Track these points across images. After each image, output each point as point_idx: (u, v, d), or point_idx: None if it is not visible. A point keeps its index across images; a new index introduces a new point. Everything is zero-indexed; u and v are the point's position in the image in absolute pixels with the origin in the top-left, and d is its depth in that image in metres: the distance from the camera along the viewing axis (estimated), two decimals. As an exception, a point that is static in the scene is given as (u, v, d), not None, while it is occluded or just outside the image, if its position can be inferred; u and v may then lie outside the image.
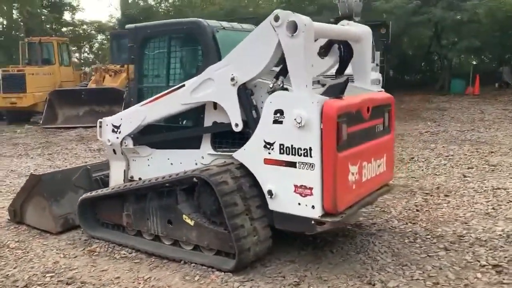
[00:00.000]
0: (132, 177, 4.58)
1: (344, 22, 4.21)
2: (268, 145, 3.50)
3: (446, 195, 5.33)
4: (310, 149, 3.29)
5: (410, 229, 4.29)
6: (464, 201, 5.06)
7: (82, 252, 4.14)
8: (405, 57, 24.72)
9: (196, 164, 4.07)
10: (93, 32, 33.07)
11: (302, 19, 3.24)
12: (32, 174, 4.84)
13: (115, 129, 4.50)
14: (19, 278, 3.64)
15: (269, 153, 3.50)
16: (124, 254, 4.05)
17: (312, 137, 3.27)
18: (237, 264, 3.47)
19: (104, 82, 14.75)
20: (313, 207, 3.34)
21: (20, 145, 10.62)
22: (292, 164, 3.40)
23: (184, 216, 3.83)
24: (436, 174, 6.36)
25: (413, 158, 7.42)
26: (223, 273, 3.50)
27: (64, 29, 30.98)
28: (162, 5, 29.12)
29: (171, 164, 4.25)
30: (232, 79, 3.63)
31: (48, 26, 27.70)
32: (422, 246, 3.91)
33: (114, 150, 4.58)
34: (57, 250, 4.20)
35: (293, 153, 3.38)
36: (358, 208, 3.71)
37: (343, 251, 3.85)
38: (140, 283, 3.48)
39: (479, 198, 5.17)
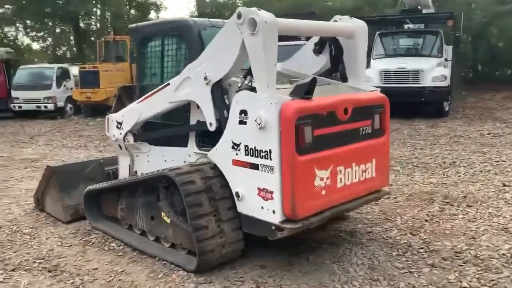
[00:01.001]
0: (136, 172, 4.75)
1: (337, 17, 3.98)
2: (235, 146, 3.43)
3: (468, 205, 4.83)
4: (270, 151, 3.17)
5: (406, 241, 3.96)
6: (485, 214, 4.56)
7: (79, 241, 4.38)
8: (495, 50, 22.74)
9: (185, 162, 4.11)
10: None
11: (262, 16, 3.11)
12: (48, 166, 5.20)
13: (119, 125, 4.69)
14: (12, 262, 3.94)
15: (236, 154, 3.43)
16: (113, 246, 4.21)
17: (271, 139, 3.15)
18: (199, 265, 3.45)
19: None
20: (273, 212, 3.22)
21: (84, 137, 11.46)
22: (256, 167, 3.30)
23: (162, 213, 3.89)
24: (472, 181, 5.78)
25: (455, 162, 6.81)
26: (185, 273, 3.50)
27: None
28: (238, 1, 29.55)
29: (165, 161, 4.32)
30: (205, 78, 3.61)
31: (133, 25, 29.42)
32: (408, 260, 3.59)
33: (119, 146, 4.77)
34: (58, 238, 4.48)
35: (256, 155, 3.28)
36: (332, 215, 3.50)
37: (320, 259, 3.66)
38: (111, 276, 3.59)
39: (506, 211, 4.62)
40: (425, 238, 4.00)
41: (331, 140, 3.37)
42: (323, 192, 3.34)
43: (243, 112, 3.33)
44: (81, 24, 27.43)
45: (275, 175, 3.16)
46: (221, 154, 3.58)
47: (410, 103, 12.04)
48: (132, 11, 31.11)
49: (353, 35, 3.86)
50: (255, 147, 3.28)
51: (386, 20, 15.21)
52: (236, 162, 3.44)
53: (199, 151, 3.99)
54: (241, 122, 3.35)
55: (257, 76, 3.23)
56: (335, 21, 3.97)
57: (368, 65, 13.02)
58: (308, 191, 3.22)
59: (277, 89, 3.39)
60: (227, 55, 3.43)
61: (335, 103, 3.40)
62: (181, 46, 4.24)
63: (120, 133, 4.66)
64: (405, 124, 10.86)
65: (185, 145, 4.12)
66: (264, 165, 3.23)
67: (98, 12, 29.78)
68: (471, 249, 3.72)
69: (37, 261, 3.93)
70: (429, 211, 4.69)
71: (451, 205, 4.86)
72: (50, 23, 28.47)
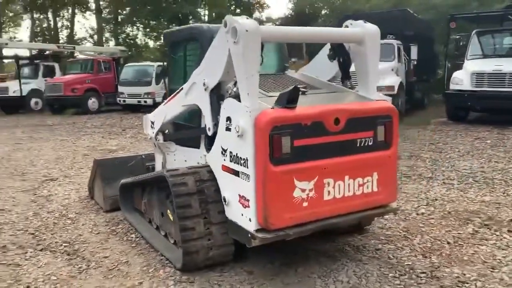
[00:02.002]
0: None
1: (348, 22, 3.81)
2: (223, 151, 3.49)
3: (510, 231, 4.30)
4: (247, 159, 3.18)
5: (411, 263, 3.67)
6: (523, 242, 4.03)
7: (106, 230, 4.78)
8: None
9: (198, 163, 4.26)
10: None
11: (243, 25, 3.11)
12: (95, 159, 5.72)
13: (152, 125, 5.00)
14: (44, 243, 4.44)
15: (224, 160, 3.49)
16: (131, 238, 4.53)
17: (247, 148, 3.15)
18: (183, 264, 3.58)
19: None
20: (250, 220, 3.23)
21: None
22: (237, 173, 3.33)
23: (168, 211, 4.09)
24: (536, 203, 5.12)
25: (524, 179, 6.06)
26: (173, 270, 3.65)
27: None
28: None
29: (185, 161, 4.53)
30: (204, 83, 3.71)
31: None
32: (400, 284, 3.33)
33: (154, 144, 5.09)
34: (92, 225, 4.93)
35: (237, 161, 3.31)
36: (317, 228, 3.38)
37: (308, 272, 3.57)
38: (114, 265, 3.89)
39: (553, 241, 4.03)
40: (435, 262, 3.67)
41: (317, 151, 3.26)
42: (305, 204, 3.25)
43: (228, 119, 3.38)
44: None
45: (251, 183, 3.17)
46: (214, 158, 3.66)
47: (506, 110, 10.91)
48: (238, 11, 32.26)
49: (363, 41, 3.66)
50: (236, 154, 3.31)
51: (486, 17, 13.84)
52: (224, 167, 3.51)
53: (207, 154, 4.11)
54: (227, 129, 3.40)
55: (240, 84, 3.25)
56: (346, 26, 3.80)
57: (460, 67, 12.09)
58: (285, 202, 3.16)
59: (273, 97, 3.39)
60: (219, 63, 3.49)
61: (322, 113, 3.27)
62: (198, 51, 4.39)
63: (153, 132, 4.96)
64: (494, 133, 9.86)
65: (198, 147, 4.27)
66: (243, 172, 3.25)
67: (206, 13, 31.40)
68: (480, 280, 3.34)
69: (63, 244, 4.38)
70: (459, 233, 4.27)
71: (488, 228, 4.37)
72: (165, 23, 30.62)
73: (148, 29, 33.06)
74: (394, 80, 12.15)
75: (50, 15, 36.45)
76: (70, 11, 36.57)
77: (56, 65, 20.97)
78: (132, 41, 40.58)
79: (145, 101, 17.60)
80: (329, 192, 3.35)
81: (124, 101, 18.12)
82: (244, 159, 3.21)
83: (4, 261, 4.01)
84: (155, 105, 17.74)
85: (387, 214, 3.90)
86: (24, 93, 19.70)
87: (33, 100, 19.86)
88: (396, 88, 12.01)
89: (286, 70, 4.59)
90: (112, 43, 40.06)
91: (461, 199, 5.36)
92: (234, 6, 31.84)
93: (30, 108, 19.84)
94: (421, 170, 6.88)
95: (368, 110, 3.51)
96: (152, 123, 5.00)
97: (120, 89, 18.24)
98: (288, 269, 3.64)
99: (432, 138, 9.70)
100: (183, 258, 3.56)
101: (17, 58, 19.93)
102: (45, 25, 38.10)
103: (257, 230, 3.19)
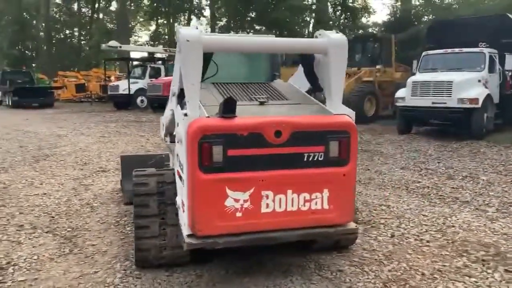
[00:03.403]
0: (175, 169, 5.31)
1: (317, 32, 3.67)
2: (177, 157, 3.62)
3: (507, 270, 3.76)
4: (183, 166, 3.27)
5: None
6: (512, 284, 3.51)
7: (112, 220, 5.19)
8: None
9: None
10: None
11: (185, 34, 3.20)
12: (121, 155, 6.21)
13: (163, 127, 5.31)
14: (54, 226, 4.98)
15: (177, 165, 3.62)
16: (126, 230, 4.86)
17: (183, 154, 3.25)
18: (136, 260, 3.78)
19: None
20: (184, 224, 3.32)
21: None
22: (180, 178, 3.44)
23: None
24: None
25: None
26: (130, 264, 3.87)
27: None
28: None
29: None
30: (171, 90, 3.88)
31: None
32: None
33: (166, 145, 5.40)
34: (104, 215, 5.38)
35: (180, 167, 3.42)
36: (254, 241, 3.33)
37: (252, 283, 3.53)
38: (92, 254, 4.22)
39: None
40: (393, 293, 3.39)
41: (254, 162, 3.22)
42: (239, 215, 3.23)
43: (177, 125, 3.50)
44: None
45: (185, 189, 3.26)
46: (174, 163, 3.81)
47: None
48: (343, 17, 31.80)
49: (327, 51, 3.52)
50: (180, 160, 3.43)
51: None
52: (177, 172, 3.64)
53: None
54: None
55: (185, 92, 3.35)
56: (316, 36, 3.68)
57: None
58: (215, 210, 3.18)
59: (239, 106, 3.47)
60: (176, 70, 3.63)
61: (260, 125, 3.21)
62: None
63: (163, 134, 5.26)
64: None
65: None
66: (182, 178, 3.35)
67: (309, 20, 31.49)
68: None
69: (68, 229, 4.88)
70: (444, 265, 3.84)
71: (482, 264, 3.86)
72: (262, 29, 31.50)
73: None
74: (479, 92, 11.07)
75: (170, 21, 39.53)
76: (186, 16, 39.32)
77: (162, 67, 22.75)
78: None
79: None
80: (267, 204, 3.29)
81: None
82: (182, 165, 3.31)
83: (11, 238, 4.60)
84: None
85: (338, 235, 3.67)
86: (132, 92, 21.75)
87: (139, 98, 21.84)
88: (480, 101, 10.94)
89: (275, 79, 4.55)
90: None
91: (482, 229, 4.78)
92: (339, 12, 31.42)
93: (136, 105, 21.84)
94: (463, 193, 6.24)
95: (318, 124, 3.36)
96: (163, 125, 5.29)
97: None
98: (236, 278, 3.64)
99: (508, 159, 8.67)
100: (135, 254, 3.76)
101: (127, 60, 22.02)
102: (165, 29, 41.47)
103: (188, 235, 3.27)
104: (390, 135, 12.29)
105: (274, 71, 4.66)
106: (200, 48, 3.24)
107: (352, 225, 3.55)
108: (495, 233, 4.65)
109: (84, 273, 3.76)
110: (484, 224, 4.91)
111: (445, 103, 11.14)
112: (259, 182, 3.25)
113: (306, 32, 30.90)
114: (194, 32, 3.25)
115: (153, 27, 44.51)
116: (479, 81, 11.38)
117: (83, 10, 48.75)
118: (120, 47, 22.24)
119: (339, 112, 3.53)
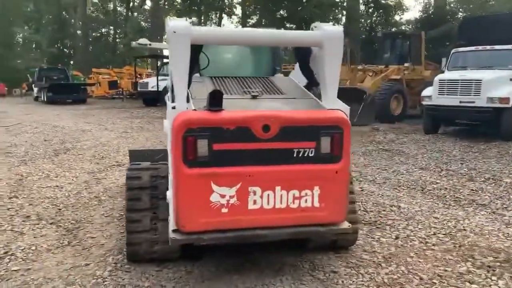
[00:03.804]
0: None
1: (313, 25, 3.53)
2: (169, 150, 3.58)
3: (515, 278, 3.53)
4: (169, 159, 3.22)
5: (354, 292, 3.29)
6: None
7: (116, 214, 5.21)
8: None
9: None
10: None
11: (172, 26, 3.15)
12: (129, 150, 6.24)
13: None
14: (58, 218, 5.05)
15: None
16: (128, 224, 4.87)
17: (169, 148, 3.20)
18: (126, 254, 3.76)
19: (362, 82, 15.10)
20: (171, 219, 3.27)
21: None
22: (169, 172, 3.39)
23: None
24: None
25: None
26: (122, 258, 3.86)
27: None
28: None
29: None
30: (168, 84, 3.83)
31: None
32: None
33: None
34: (110, 209, 5.40)
35: (169, 161, 3.37)
36: (241, 239, 3.24)
37: (240, 281, 3.45)
38: (90, 246, 4.25)
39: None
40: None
41: (241, 157, 3.13)
42: (225, 210, 3.15)
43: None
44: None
45: (170, 183, 3.21)
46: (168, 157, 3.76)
47: None
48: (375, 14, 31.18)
49: (321, 45, 3.39)
50: (169, 153, 3.38)
51: None
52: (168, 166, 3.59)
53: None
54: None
55: (173, 85, 3.30)
56: (312, 29, 3.55)
57: None
58: (200, 206, 3.11)
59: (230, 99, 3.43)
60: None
61: (248, 119, 3.12)
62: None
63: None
64: None
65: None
66: (170, 171, 3.30)
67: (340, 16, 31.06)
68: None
69: (71, 222, 4.93)
70: (446, 270, 3.64)
71: (487, 271, 3.64)
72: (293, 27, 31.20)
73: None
74: (510, 91, 10.58)
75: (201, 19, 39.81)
76: (218, 15, 39.51)
77: (189, 64, 22.87)
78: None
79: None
80: (255, 201, 3.19)
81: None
82: (170, 158, 3.26)
83: (15, 228, 4.69)
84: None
85: (330, 234, 3.52)
86: (160, 89, 22.01)
87: (166, 95, 22.04)
88: (511, 100, 10.46)
89: (275, 74, 4.44)
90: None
91: (495, 233, 4.52)
92: (371, 10, 30.82)
93: (164, 102, 22.05)
94: (481, 196, 5.95)
95: (309, 119, 3.23)
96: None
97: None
98: (226, 275, 3.56)
99: (537, 161, 8.24)
100: (126, 248, 3.74)
101: (156, 57, 22.29)
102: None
103: (173, 231, 3.22)
104: (416, 135, 11.93)
105: (275, 65, 4.55)
106: (187, 40, 3.18)
107: (345, 224, 3.41)
108: (508, 238, 4.39)
109: (76, 265, 3.77)
110: (498, 229, 4.65)
111: (473, 102, 10.71)
112: (246, 178, 3.16)
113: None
114: (182, 23, 3.19)
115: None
116: (511, 79, 10.87)
117: (119, 9, 49.85)
118: (150, 44, 22.42)
119: (334, 107, 3.40)
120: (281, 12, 29.66)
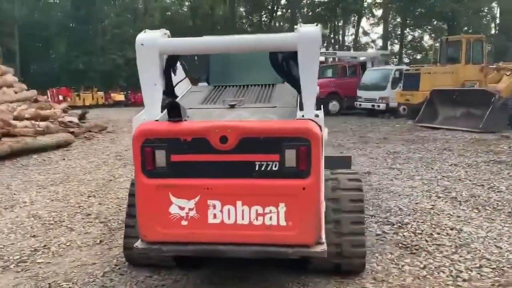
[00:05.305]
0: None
1: (296, 26, 3.22)
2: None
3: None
4: (136, 169, 3.27)
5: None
6: None
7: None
8: None
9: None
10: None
11: (140, 39, 3.20)
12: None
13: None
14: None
15: None
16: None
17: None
18: (125, 257, 3.91)
19: (498, 83, 13.25)
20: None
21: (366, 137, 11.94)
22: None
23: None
24: None
25: None
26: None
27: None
28: None
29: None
30: None
31: None
32: None
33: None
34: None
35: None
36: (201, 252, 3.12)
37: (213, 298, 3.34)
38: (97, 244, 4.54)
39: None
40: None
41: (200, 169, 3.03)
42: (184, 223, 3.08)
43: None
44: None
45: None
46: None
47: None
48: None
49: (297, 48, 3.08)
50: None
51: None
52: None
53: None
54: None
55: (143, 95, 3.34)
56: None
57: None
58: (159, 217, 3.09)
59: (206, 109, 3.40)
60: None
61: (204, 130, 2.99)
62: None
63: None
64: None
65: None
66: None
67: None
68: None
69: (119, 222, 5.32)
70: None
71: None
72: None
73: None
74: None
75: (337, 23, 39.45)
76: (356, 18, 38.68)
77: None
78: (417, 44, 39.71)
79: (378, 106, 17.31)
80: (215, 215, 3.06)
81: (360, 105, 18.29)
82: None
83: (70, 224, 5.24)
84: (390, 110, 17.25)
85: (299, 256, 3.12)
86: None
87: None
88: None
89: (284, 82, 4.16)
90: (397, 46, 40.14)
91: None
92: None
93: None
94: None
95: (271, 129, 2.96)
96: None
97: (359, 93, 18.49)
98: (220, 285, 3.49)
99: None
100: (123, 251, 3.90)
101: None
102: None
103: (140, 239, 3.25)
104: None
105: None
106: (155, 52, 3.20)
107: (318, 248, 3.04)
108: None
109: (85, 263, 4.07)
110: None
111: None
112: (204, 191, 3.05)
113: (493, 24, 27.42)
114: (150, 36, 3.23)
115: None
116: None
117: (263, 19, 52.19)
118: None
119: (305, 116, 3.06)
120: (421, 9, 27.79)
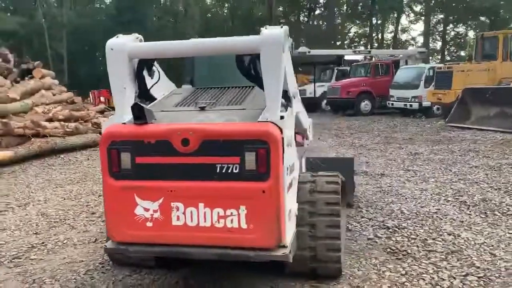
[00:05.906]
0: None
1: (263, 28, 3.19)
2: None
3: None
4: (105, 171, 3.35)
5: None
6: None
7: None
8: None
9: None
10: None
11: (110, 44, 3.28)
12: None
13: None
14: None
15: None
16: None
17: (103, 159, 3.32)
18: (108, 257, 4.01)
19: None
20: (110, 228, 3.39)
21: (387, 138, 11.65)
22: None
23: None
24: None
25: None
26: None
27: None
28: None
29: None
30: None
31: None
32: None
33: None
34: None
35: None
36: (167, 254, 3.17)
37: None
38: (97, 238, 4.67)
39: None
40: None
41: (162, 171, 3.07)
42: (149, 224, 3.13)
43: None
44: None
45: (104, 194, 3.34)
46: None
47: None
48: None
49: (259, 51, 3.06)
50: None
51: None
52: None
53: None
54: None
55: (113, 99, 3.41)
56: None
57: None
58: (125, 218, 3.15)
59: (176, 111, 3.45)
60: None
61: (166, 132, 3.03)
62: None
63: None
64: None
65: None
66: None
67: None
68: None
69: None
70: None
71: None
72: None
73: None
74: None
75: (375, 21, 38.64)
76: (395, 14, 37.76)
77: (347, 69, 22.49)
78: (461, 40, 38.56)
79: (410, 105, 16.83)
80: (178, 217, 3.09)
81: (392, 104, 17.85)
82: None
83: (72, 223, 5.43)
84: (423, 110, 16.72)
85: (261, 260, 3.07)
86: (317, 95, 22.23)
87: (324, 101, 22.12)
88: None
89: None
90: (439, 43, 39.03)
91: None
92: None
93: (321, 108, 22.24)
94: None
95: (231, 132, 2.96)
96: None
97: (391, 92, 18.05)
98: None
99: None
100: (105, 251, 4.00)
101: (313, 64, 22.56)
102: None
103: (108, 239, 3.33)
104: None
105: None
106: (124, 56, 3.28)
107: (280, 251, 3.01)
108: None
109: (73, 260, 4.21)
110: None
111: None
112: (168, 193, 3.09)
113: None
114: (119, 41, 3.30)
115: (353, 29, 44.17)
116: None
117: (301, 18, 51.91)
118: (309, 52, 22.93)
119: (267, 119, 3.03)
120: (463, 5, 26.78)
